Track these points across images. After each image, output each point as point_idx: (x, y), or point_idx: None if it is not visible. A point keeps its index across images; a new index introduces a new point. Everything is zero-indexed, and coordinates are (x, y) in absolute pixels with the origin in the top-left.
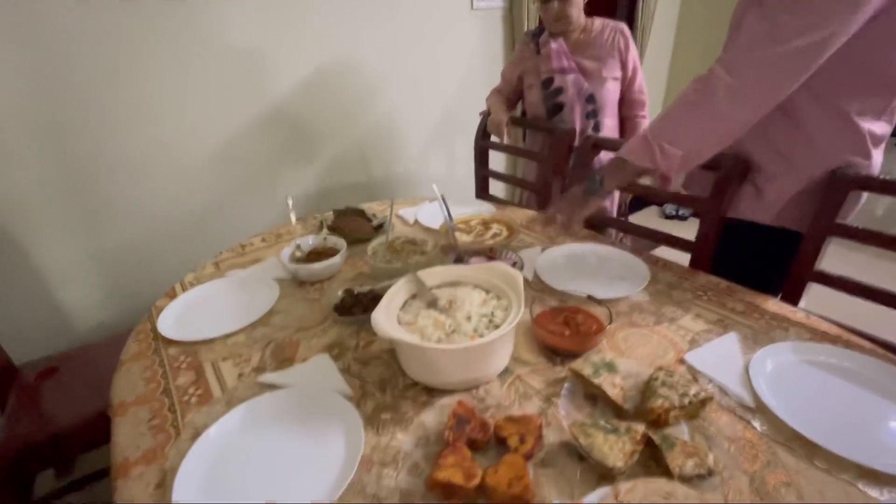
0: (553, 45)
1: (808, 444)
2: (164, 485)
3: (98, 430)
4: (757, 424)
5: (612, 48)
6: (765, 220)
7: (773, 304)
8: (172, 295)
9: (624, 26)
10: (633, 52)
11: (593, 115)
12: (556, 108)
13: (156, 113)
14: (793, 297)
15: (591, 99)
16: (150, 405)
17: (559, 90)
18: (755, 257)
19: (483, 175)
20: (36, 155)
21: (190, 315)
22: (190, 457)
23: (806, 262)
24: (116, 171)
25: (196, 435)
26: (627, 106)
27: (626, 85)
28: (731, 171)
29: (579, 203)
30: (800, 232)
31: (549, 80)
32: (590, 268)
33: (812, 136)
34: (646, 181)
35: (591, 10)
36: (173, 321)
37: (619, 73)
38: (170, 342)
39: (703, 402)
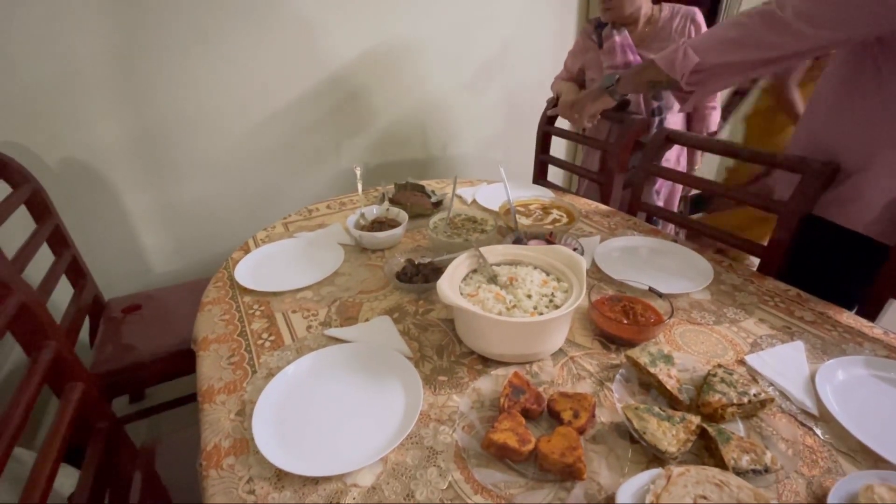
0: (617, 38)
1: (874, 456)
2: (243, 413)
3: (170, 364)
4: (819, 432)
5: (683, 37)
6: (855, 227)
7: (848, 317)
8: (246, 249)
9: (696, 12)
10: None
11: (658, 112)
12: (622, 105)
13: (234, 75)
14: (870, 313)
15: (657, 95)
16: (229, 344)
17: None
18: (832, 265)
19: (542, 161)
20: (126, 107)
21: (263, 268)
22: (267, 392)
23: (891, 275)
24: (195, 127)
25: (270, 375)
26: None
27: None
28: (817, 173)
29: (592, 97)
30: (887, 245)
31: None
32: (650, 261)
33: None
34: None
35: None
36: (248, 272)
37: None
38: (245, 290)
39: (763, 404)
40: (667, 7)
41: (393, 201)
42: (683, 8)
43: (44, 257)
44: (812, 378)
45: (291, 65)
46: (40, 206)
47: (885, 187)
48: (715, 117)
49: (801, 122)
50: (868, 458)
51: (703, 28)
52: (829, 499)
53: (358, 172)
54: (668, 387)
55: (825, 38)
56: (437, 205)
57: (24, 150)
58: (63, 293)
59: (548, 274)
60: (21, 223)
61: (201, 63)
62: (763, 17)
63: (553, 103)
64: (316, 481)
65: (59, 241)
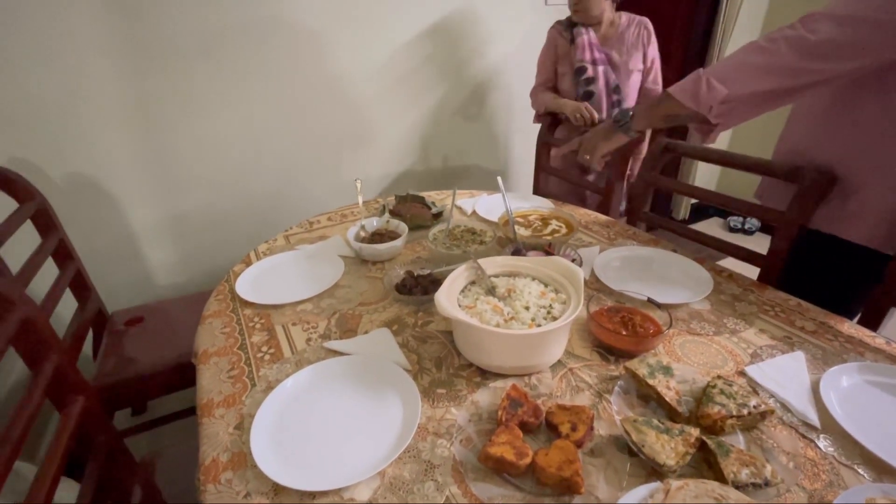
0: (585, 36)
1: (880, 466)
2: (241, 427)
3: (172, 377)
4: (822, 444)
5: (638, 42)
6: (854, 238)
7: (849, 327)
8: (248, 262)
9: (648, 21)
10: (654, 46)
11: (618, 104)
12: (587, 96)
13: (238, 90)
14: (872, 323)
15: (616, 90)
16: (229, 357)
17: (591, 80)
18: (833, 274)
19: (543, 172)
20: (131, 122)
21: (263, 281)
22: (265, 405)
23: (893, 284)
24: (199, 141)
25: (269, 388)
26: (643, 95)
27: (644, 76)
28: (813, 184)
29: (604, 136)
30: (887, 254)
31: (582, 69)
32: (649, 272)
33: None
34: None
35: (669, 7)
36: (249, 285)
37: (641, 66)
38: (246, 303)
39: (763, 415)
40: (625, 15)
41: (393, 213)
42: (637, 17)
43: (49, 271)
44: (814, 388)
45: (294, 79)
46: (45, 221)
47: (888, 199)
48: None
49: (782, 137)
50: (873, 468)
51: (653, 37)
52: None
53: (358, 185)
54: (667, 399)
55: (863, 62)
56: (438, 216)
57: (30, 165)
58: (67, 306)
59: (546, 285)
60: (26, 237)
61: (205, 78)
62: (791, 43)
63: (549, 123)
64: (313, 496)
65: (63, 255)
